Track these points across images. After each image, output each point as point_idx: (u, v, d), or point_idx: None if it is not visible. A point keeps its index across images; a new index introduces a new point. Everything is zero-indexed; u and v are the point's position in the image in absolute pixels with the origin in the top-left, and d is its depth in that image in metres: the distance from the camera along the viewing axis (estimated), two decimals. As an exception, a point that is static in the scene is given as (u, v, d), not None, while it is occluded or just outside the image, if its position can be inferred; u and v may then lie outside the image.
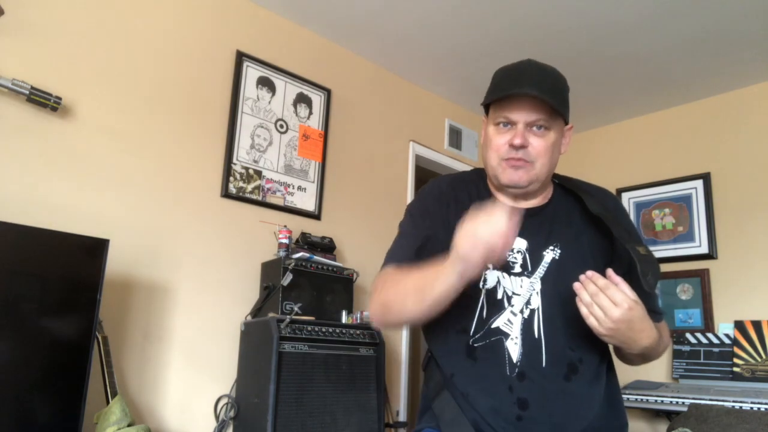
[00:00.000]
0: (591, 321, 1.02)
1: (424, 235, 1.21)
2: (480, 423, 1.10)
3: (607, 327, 1.00)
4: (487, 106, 1.24)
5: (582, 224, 1.24)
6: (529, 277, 1.17)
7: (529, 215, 1.23)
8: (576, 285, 1.04)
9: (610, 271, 1.03)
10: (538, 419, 1.08)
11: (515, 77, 1.15)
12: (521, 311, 1.15)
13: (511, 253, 1.19)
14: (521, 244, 1.20)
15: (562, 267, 1.17)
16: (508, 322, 1.15)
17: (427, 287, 1.04)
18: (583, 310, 1.02)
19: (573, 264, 1.16)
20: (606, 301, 1.00)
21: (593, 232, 1.23)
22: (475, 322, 1.16)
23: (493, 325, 1.15)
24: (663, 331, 1.17)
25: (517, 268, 1.18)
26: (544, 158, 1.16)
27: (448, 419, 1.14)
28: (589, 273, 1.03)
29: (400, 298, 1.10)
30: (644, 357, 1.15)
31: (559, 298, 1.15)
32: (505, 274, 1.18)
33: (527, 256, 1.19)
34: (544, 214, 1.24)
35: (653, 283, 1.06)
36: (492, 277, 1.18)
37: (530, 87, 1.11)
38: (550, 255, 1.19)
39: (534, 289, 1.16)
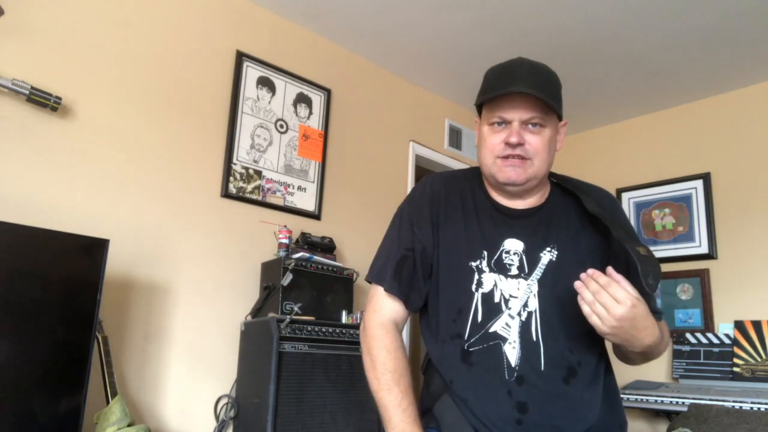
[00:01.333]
0: (594, 320, 0.99)
1: (410, 247, 1.23)
2: (480, 427, 1.10)
3: (610, 325, 0.98)
4: (480, 106, 1.23)
5: (579, 224, 1.23)
6: (526, 279, 1.16)
7: (525, 216, 1.22)
8: (577, 283, 1.01)
9: (610, 269, 1.02)
10: (537, 423, 1.08)
11: (507, 76, 1.14)
12: (519, 314, 1.14)
13: (507, 254, 1.19)
14: (518, 245, 1.19)
15: (560, 268, 1.16)
16: (506, 326, 1.13)
17: (381, 410, 1.14)
18: (585, 309, 1.00)
19: (570, 265, 1.15)
20: (608, 298, 0.97)
21: (591, 232, 1.22)
22: (469, 327, 1.15)
23: (491, 330, 1.14)
24: (663, 330, 1.16)
25: (514, 270, 1.17)
26: (541, 155, 1.16)
27: (448, 423, 1.14)
28: (590, 271, 1.01)
29: (373, 381, 1.19)
30: (645, 356, 1.13)
31: (557, 299, 1.14)
32: (501, 277, 1.17)
33: (524, 257, 1.18)
34: (540, 215, 1.23)
35: (654, 284, 1.04)
36: (488, 279, 1.17)
37: (523, 85, 1.11)
38: (547, 256, 1.18)
39: (531, 291, 1.15)
